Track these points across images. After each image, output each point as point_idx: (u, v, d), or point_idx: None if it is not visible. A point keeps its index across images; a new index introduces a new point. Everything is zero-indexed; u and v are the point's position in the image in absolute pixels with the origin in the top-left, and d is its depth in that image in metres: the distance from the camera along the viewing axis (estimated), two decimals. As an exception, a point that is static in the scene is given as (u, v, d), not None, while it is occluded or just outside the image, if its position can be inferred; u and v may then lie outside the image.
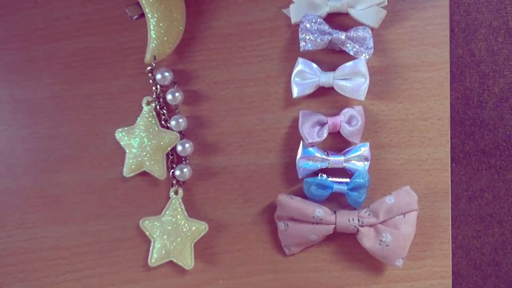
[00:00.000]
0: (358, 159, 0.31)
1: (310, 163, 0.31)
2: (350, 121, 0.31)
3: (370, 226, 0.30)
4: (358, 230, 0.30)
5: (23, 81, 0.33)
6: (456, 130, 0.90)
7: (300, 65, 0.31)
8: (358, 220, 0.30)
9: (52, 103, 0.33)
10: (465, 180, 0.91)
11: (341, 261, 0.32)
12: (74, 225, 0.33)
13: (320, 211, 0.30)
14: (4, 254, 0.33)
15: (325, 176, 0.31)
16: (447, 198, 0.32)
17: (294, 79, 0.31)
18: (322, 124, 0.31)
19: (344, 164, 0.31)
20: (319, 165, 0.31)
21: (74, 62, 0.33)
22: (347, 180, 0.31)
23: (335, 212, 0.30)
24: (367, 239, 0.30)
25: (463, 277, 0.93)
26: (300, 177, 0.31)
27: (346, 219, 0.30)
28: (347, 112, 0.31)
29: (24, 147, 0.33)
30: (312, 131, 0.30)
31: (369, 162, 0.31)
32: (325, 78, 0.30)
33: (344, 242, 0.32)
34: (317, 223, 0.30)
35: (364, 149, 0.31)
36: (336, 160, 0.31)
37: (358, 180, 0.30)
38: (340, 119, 0.30)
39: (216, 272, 0.33)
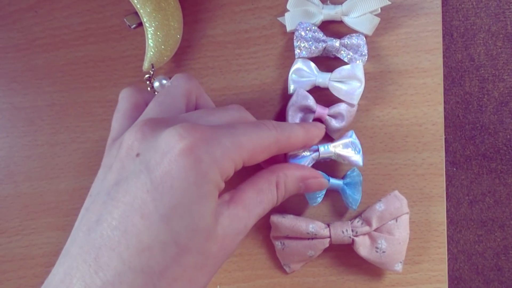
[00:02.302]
0: (346, 146, 0.30)
1: (300, 156, 0.30)
2: (336, 116, 0.31)
3: (364, 234, 0.30)
4: (353, 240, 0.30)
5: (24, 89, 0.33)
6: (456, 134, 0.90)
7: (299, 63, 0.31)
8: (352, 231, 0.30)
9: (52, 111, 0.33)
10: (466, 184, 0.91)
11: (338, 266, 0.33)
12: (73, 231, 0.33)
13: (314, 226, 0.30)
14: (4, 260, 0.33)
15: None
16: (442, 203, 0.32)
17: (292, 76, 0.31)
18: (308, 112, 0.31)
19: (336, 151, 0.30)
20: (309, 154, 0.30)
21: (74, 70, 0.33)
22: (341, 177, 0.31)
23: (328, 225, 0.31)
24: (363, 248, 0.30)
25: (465, 282, 0.92)
26: None
27: (340, 231, 0.30)
28: (337, 108, 0.31)
29: (24, 154, 0.33)
30: (295, 115, 0.31)
31: (360, 149, 0.31)
32: (322, 79, 0.31)
33: (340, 247, 0.32)
34: (312, 239, 0.30)
35: (351, 136, 0.31)
36: (326, 150, 0.30)
37: (353, 174, 0.30)
38: (328, 113, 0.31)
39: (214, 277, 0.33)
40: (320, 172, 0.31)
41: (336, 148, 0.30)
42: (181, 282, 0.19)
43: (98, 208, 0.19)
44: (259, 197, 0.23)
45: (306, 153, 0.30)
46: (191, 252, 0.19)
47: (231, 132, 0.21)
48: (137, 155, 0.20)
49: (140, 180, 0.19)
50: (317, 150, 0.31)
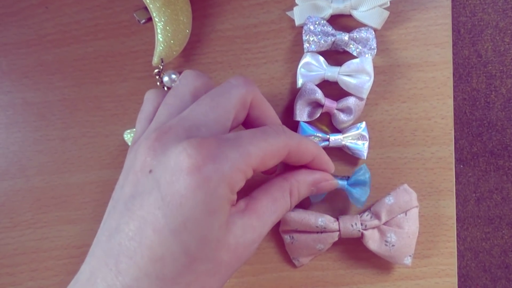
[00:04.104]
0: (356, 137, 0.31)
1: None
2: (345, 110, 0.31)
3: (374, 228, 0.31)
4: (362, 234, 0.30)
5: (35, 84, 0.34)
6: (464, 131, 0.90)
7: (308, 57, 0.31)
8: (361, 224, 0.30)
9: (63, 106, 0.34)
10: (473, 181, 0.91)
11: (347, 260, 0.33)
12: (84, 224, 0.34)
13: (323, 220, 0.30)
14: (16, 253, 0.34)
15: None
16: (451, 197, 0.32)
17: (300, 70, 0.31)
18: (317, 106, 0.31)
19: (343, 143, 0.31)
20: (319, 142, 0.31)
21: (84, 65, 0.34)
22: (348, 176, 0.31)
23: (337, 219, 0.31)
24: (373, 242, 0.30)
25: (472, 279, 0.92)
26: None
27: (349, 225, 0.30)
28: (345, 101, 0.31)
29: (36, 148, 0.34)
30: (303, 109, 0.31)
31: (367, 141, 0.31)
32: (331, 72, 0.31)
33: (349, 240, 0.32)
34: (321, 232, 0.31)
35: (362, 127, 0.31)
36: (336, 139, 0.31)
37: (359, 176, 0.30)
38: (336, 107, 0.31)
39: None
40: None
41: (345, 139, 0.31)
42: (194, 287, 0.21)
43: (117, 216, 0.21)
44: (274, 206, 0.24)
45: (316, 141, 0.31)
46: (202, 260, 0.21)
47: (238, 143, 0.22)
48: (150, 171, 0.21)
49: (152, 196, 0.20)
50: (328, 139, 0.31)
